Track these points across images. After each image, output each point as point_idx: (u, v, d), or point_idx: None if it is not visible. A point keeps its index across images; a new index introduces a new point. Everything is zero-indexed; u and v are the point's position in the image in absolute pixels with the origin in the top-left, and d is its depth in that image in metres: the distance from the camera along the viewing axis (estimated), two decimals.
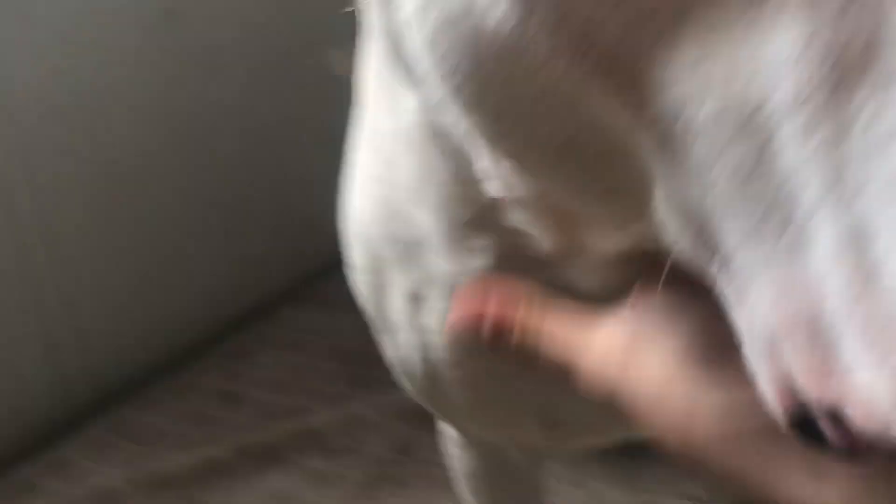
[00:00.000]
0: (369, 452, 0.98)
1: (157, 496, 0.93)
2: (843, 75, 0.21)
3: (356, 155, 0.53)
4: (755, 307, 0.24)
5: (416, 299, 0.46)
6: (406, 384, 0.52)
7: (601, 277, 0.37)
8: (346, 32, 1.75)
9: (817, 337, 0.23)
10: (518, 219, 0.38)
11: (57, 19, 1.07)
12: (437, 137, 0.39)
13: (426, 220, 0.43)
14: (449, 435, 0.59)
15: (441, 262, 0.43)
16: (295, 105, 1.46)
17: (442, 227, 0.42)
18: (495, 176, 0.35)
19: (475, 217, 0.41)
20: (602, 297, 0.35)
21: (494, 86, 0.28)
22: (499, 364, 0.43)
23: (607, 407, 0.42)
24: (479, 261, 0.41)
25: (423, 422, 1.04)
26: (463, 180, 0.39)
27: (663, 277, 0.30)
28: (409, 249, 0.46)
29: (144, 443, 1.05)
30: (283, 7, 1.39)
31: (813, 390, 0.23)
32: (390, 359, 0.52)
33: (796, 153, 0.22)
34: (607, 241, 0.34)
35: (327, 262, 1.54)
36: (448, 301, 0.43)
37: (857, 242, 0.22)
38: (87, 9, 1.09)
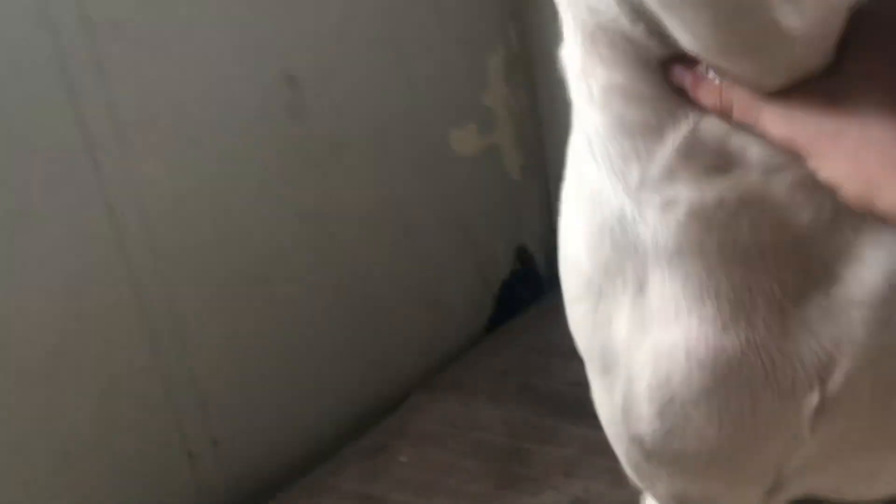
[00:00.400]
0: None
1: None
2: None
3: (569, 167, 0.52)
4: None
5: (640, 294, 0.43)
6: (624, 443, 0.47)
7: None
8: (466, 114, 1.72)
9: None
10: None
11: (181, 116, 1.08)
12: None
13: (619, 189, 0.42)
14: None
15: (651, 228, 0.41)
16: (420, 189, 1.43)
17: (633, 188, 0.41)
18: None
19: (665, 165, 0.40)
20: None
21: None
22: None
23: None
24: (680, 208, 0.40)
25: None
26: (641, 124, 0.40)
27: None
28: (622, 237, 0.44)
29: None
30: (403, 95, 1.37)
31: None
32: (608, 414, 0.48)
33: None
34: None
35: (453, 349, 1.49)
36: (674, 281, 0.41)
37: None
38: (210, 104, 1.10)
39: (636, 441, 0.46)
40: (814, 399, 0.41)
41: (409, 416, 1.26)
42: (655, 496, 0.51)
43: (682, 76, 0.38)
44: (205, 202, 1.11)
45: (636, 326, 0.44)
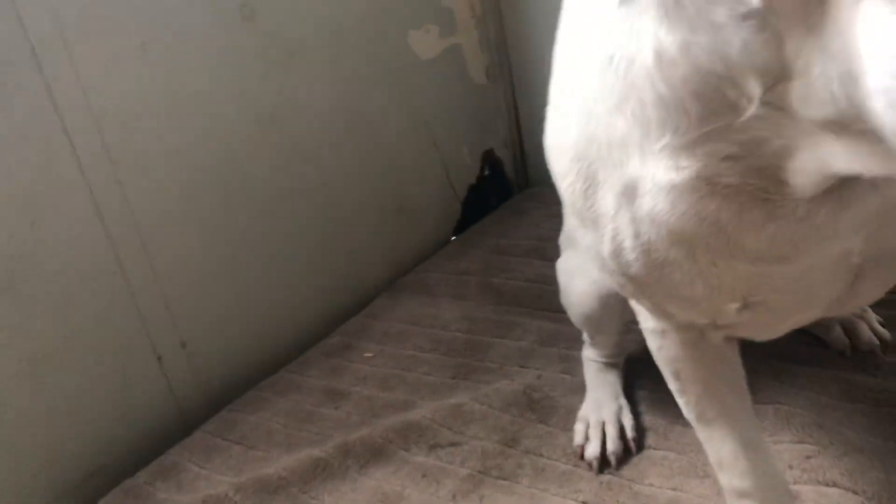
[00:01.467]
0: (474, 446, 0.94)
1: (264, 501, 0.92)
2: None
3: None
4: None
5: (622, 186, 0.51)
6: (616, 275, 0.56)
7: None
8: (426, 15, 1.68)
9: None
10: None
11: (134, 27, 1.07)
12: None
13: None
14: (650, 329, 0.64)
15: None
16: (382, 93, 1.42)
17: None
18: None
19: None
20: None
21: None
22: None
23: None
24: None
25: (530, 411, 0.98)
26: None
27: None
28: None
29: (251, 445, 1.04)
30: None
31: None
32: (599, 255, 0.56)
33: None
34: None
35: (420, 251, 1.51)
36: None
37: None
38: (158, 7, 1.09)
39: (626, 274, 0.55)
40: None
41: (373, 317, 1.29)
42: (641, 303, 0.62)
43: None
44: (156, 107, 1.10)
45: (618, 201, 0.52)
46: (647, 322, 0.64)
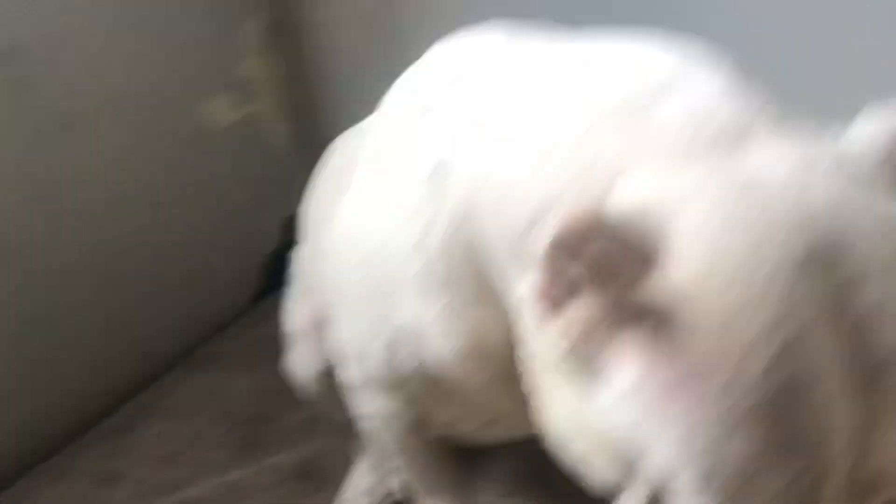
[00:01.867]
0: None
1: None
2: None
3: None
4: None
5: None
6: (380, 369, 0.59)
7: None
8: (218, 85, 1.67)
9: None
10: None
11: None
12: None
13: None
14: (379, 409, 0.66)
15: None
16: (172, 163, 1.41)
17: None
18: None
19: None
20: None
21: None
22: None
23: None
24: None
25: (309, 481, 0.99)
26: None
27: None
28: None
29: None
30: (146, 66, 1.34)
31: None
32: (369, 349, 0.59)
33: None
34: None
35: (217, 322, 1.49)
36: None
37: None
38: None
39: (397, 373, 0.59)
40: None
41: (162, 393, 1.25)
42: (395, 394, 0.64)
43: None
44: None
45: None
46: (379, 405, 0.65)
